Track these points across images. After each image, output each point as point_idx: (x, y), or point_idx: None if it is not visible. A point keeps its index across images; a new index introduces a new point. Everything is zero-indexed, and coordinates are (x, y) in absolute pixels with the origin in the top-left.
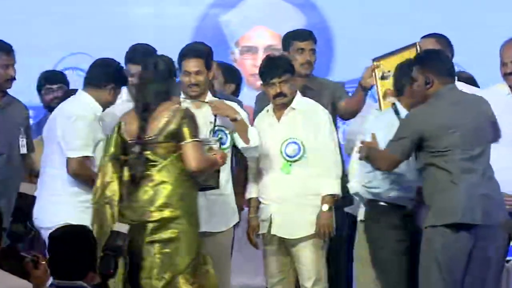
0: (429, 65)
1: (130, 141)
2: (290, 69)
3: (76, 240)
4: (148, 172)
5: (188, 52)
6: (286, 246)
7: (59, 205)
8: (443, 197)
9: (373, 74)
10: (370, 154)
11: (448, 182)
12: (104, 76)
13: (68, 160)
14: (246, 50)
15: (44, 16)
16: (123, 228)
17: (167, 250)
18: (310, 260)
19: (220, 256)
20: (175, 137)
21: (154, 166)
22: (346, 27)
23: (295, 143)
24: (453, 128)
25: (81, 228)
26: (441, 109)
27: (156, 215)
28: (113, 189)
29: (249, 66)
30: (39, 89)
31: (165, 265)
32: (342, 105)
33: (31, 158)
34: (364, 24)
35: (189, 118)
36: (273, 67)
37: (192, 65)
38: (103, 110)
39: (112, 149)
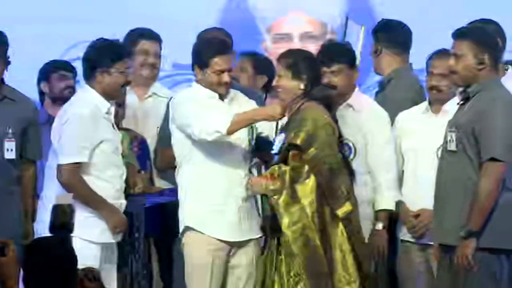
0: (486, 44)
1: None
2: (344, 59)
3: (53, 253)
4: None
5: (223, 47)
6: None
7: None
8: None
9: None
10: None
11: None
12: (105, 57)
13: (58, 167)
14: (279, 38)
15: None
16: (67, 199)
17: None
18: None
19: None
20: None
21: None
22: (394, 11)
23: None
24: None
25: (59, 240)
26: None
27: None
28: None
29: None
30: (46, 78)
31: None
32: None
33: (29, 166)
34: (412, 6)
35: None
36: (325, 55)
37: (229, 61)
38: (119, 97)
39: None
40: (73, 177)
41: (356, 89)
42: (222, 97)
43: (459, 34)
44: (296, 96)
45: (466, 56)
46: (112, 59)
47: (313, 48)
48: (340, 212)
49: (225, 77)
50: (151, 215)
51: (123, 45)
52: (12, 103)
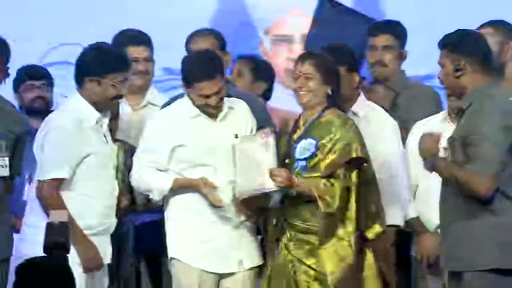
0: (463, 50)
1: None
2: (342, 62)
3: (49, 274)
4: None
5: (203, 74)
6: None
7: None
8: None
9: None
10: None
11: None
12: (99, 65)
13: (38, 183)
14: (279, 40)
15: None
16: (61, 215)
17: None
18: None
19: None
20: None
21: None
22: (401, 12)
23: None
24: None
25: (54, 260)
26: None
27: None
28: None
29: (283, 60)
30: (15, 88)
31: None
32: None
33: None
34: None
35: None
36: None
37: (215, 85)
38: (110, 109)
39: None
40: (51, 194)
41: (361, 95)
42: (214, 114)
43: (439, 44)
44: (321, 101)
45: (445, 64)
46: (106, 69)
47: None
48: (370, 234)
49: (212, 101)
50: (140, 233)
51: (123, 56)
52: (2, 115)
